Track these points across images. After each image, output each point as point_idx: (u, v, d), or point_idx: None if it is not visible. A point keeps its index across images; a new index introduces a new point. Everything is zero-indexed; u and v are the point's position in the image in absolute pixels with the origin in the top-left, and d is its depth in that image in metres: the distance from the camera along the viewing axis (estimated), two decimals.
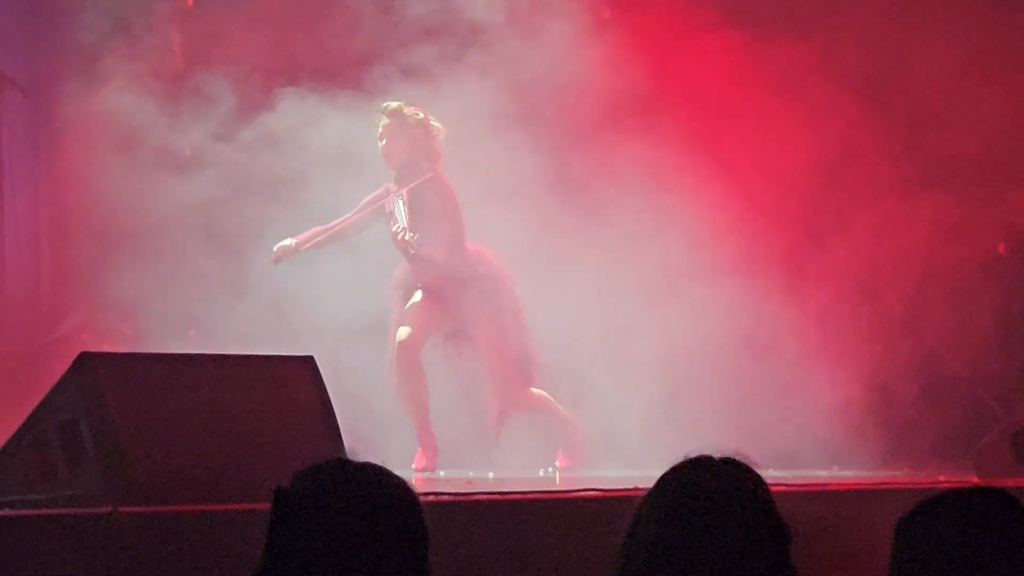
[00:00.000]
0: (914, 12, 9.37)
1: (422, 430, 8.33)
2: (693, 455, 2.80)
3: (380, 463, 2.79)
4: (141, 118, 9.09)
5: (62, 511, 4.82)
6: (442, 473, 8.17)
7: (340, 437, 5.50)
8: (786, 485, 6.35)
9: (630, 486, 5.68)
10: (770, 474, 2.88)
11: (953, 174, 9.31)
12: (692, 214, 8.99)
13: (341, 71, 9.07)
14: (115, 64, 9.12)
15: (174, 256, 9.23)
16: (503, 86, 8.88)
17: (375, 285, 8.64)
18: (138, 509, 4.76)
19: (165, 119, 9.13)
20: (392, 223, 8.26)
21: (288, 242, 8.41)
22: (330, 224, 8.50)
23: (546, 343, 8.64)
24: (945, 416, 9.30)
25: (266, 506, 2.74)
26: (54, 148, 9.39)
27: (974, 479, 7.40)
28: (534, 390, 8.54)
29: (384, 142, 8.36)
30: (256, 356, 5.81)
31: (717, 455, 2.79)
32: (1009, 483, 6.77)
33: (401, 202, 8.30)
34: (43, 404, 5.21)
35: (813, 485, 6.87)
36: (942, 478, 7.64)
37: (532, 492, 5.96)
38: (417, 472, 8.09)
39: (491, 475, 8.00)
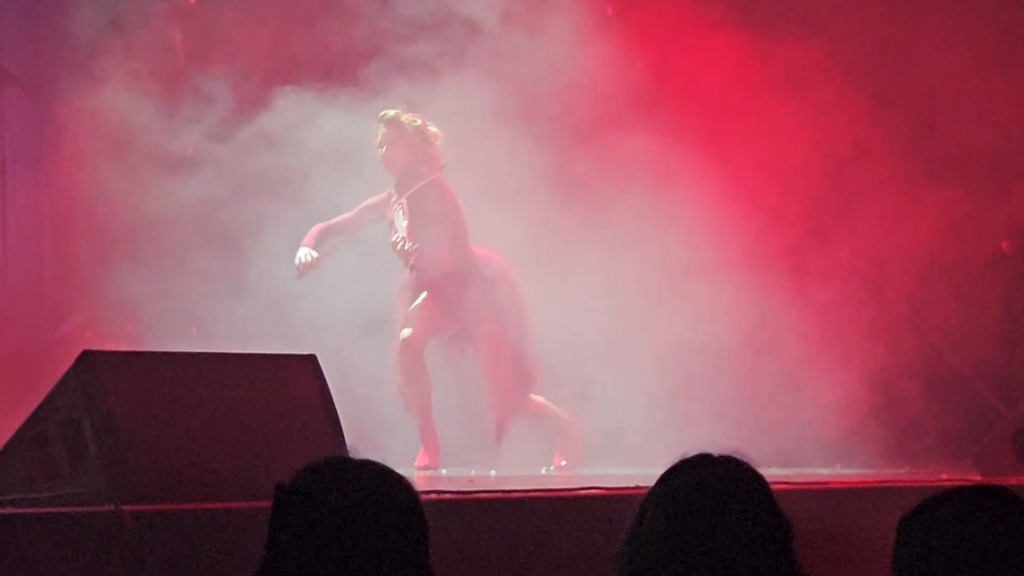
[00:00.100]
0: (919, 9, 9.37)
1: (424, 428, 8.33)
2: (692, 454, 2.80)
3: (381, 461, 2.79)
4: (142, 117, 9.09)
5: (64, 509, 4.82)
6: (444, 471, 8.17)
7: (342, 435, 5.50)
8: (789, 483, 6.36)
9: (632, 484, 5.68)
10: (772, 472, 2.88)
11: (958, 171, 9.31)
12: (695, 212, 8.99)
13: (340, 69, 9.07)
14: (117, 63, 9.12)
15: (176, 255, 9.23)
16: (504, 84, 8.87)
17: (376, 282, 8.64)
18: (140, 507, 4.76)
19: (166, 118, 9.13)
20: (392, 232, 8.29)
21: (305, 255, 8.35)
22: (332, 222, 8.48)
23: (548, 342, 8.64)
24: (947, 414, 9.29)
25: (268, 504, 2.74)
26: (56, 146, 9.39)
27: (976, 477, 7.40)
28: (532, 396, 8.54)
29: (383, 150, 8.38)
30: (258, 354, 5.81)
31: (716, 453, 2.79)
32: (1011, 481, 6.77)
33: (400, 212, 8.32)
34: (45, 402, 5.21)
35: (816, 483, 6.87)
36: (944, 476, 7.64)
37: (534, 490, 5.96)
38: (419, 470, 8.09)
39: (493, 473, 8.01)
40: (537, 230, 8.77)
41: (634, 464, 7.98)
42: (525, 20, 9.00)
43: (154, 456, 5.08)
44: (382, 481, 2.74)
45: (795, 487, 6.30)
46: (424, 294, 8.37)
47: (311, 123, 8.86)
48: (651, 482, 2.81)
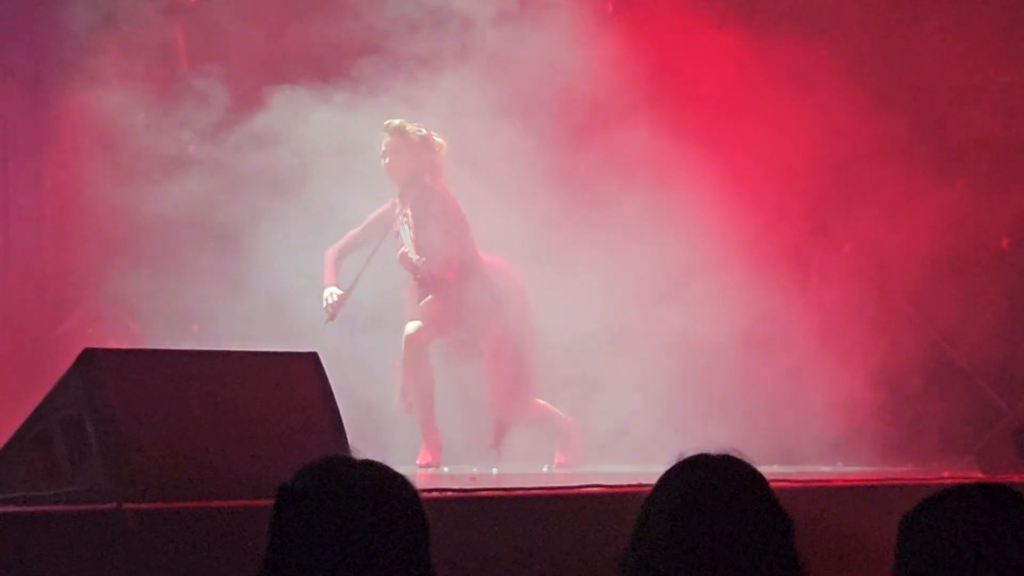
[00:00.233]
0: (921, 5, 9.36)
1: (426, 426, 8.33)
2: (691, 453, 2.80)
3: (383, 459, 2.79)
4: (142, 115, 9.09)
5: (66, 508, 4.82)
6: (446, 469, 8.17)
7: (344, 433, 5.50)
8: (790, 481, 6.35)
9: (633, 482, 5.68)
10: (774, 470, 2.89)
11: (960, 168, 9.31)
12: (696, 211, 8.98)
13: (338, 67, 9.06)
14: (115, 61, 9.11)
15: (177, 253, 9.22)
16: (504, 82, 8.87)
17: (377, 281, 8.63)
18: (142, 506, 4.76)
19: (166, 116, 9.13)
20: (398, 245, 8.31)
21: (330, 295, 8.35)
22: (342, 243, 8.47)
23: (549, 340, 8.64)
24: (949, 412, 9.29)
25: (270, 502, 2.74)
26: (56, 144, 9.38)
27: (978, 475, 7.40)
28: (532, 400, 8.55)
29: (387, 160, 8.38)
30: (260, 352, 5.81)
31: (714, 452, 2.80)
32: (1014, 479, 6.78)
33: (406, 224, 8.34)
34: (47, 401, 5.21)
35: (817, 481, 6.87)
36: (946, 474, 7.63)
37: (535, 488, 5.96)
38: (421, 468, 8.08)
39: (495, 471, 8.01)
40: (538, 229, 8.77)
41: (636, 462, 7.99)
42: (525, 18, 9.00)
43: (155, 454, 5.08)
44: (383, 481, 2.74)
45: (797, 485, 6.30)
46: (431, 296, 8.38)
47: (310, 121, 8.86)
48: (653, 480, 2.81)
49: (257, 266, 8.83)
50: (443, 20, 8.98)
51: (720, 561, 2.67)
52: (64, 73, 9.26)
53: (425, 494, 2.79)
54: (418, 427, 8.38)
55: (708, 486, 2.73)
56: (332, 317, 8.27)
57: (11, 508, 4.86)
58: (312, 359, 5.62)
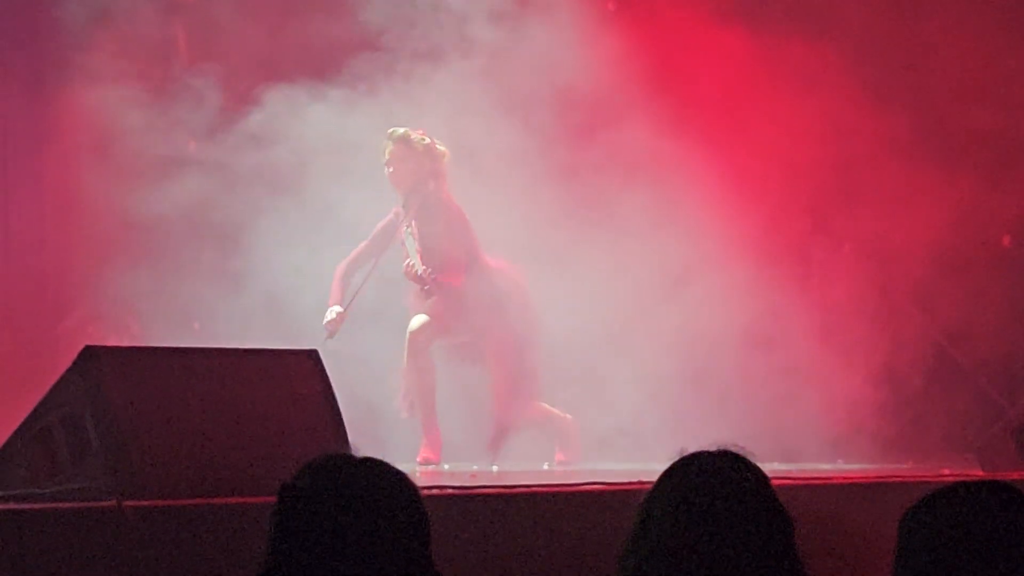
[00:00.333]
0: (925, 5, 9.36)
1: (427, 423, 8.33)
2: (691, 451, 2.80)
3: (383, 457, 2.79)
4: (141, 113, 9.08)
5: (66, 505, 4.82)
6: (446, 466, 8.17)
7: (344, 431, 5.50)
8: (791, 478, 6.36)
9: (634, 480, 5.68)
10: (775, 467, 2.89)
11: (962, 166, 9.30)
12: (697, 208, 8.98)
13: (338, 65, 9.05)
14: (117, 60, 9.11)
15: (177, 251, 9.23)
16: (505, 80, 8.87)
17: (377, 278, 8.63)
18: (142, 503, 4.76)
19: (165, 115, 9.13)
20: (404, 257, 8.32)
21: (330, 314, 8.36)
22: (351, 257, 8.47)
23: (550, 338, 8.64)
24: (950, 409, 9.29)
25: (270, 500, 2.74)
26: (57, 143, 9.39)
27: (979, 472, 7.40)
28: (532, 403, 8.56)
29: (391, 169, 8.37)
30: (260, 350, 5.81)
31: (714, 448, 2.80)
32: (1014, 476, 6.77)
33: (411, 236, 8.34)
34: (47, 398, 5.21)
35: (818, 479, 6.87)
36: (947, 471, 7.63)
37: (536, 485, 5.96)
38: (421, 465, 8.09)
39: (495, 469, 8.01)
40: (538, 227, 8.77)
41: (636, 460, 7.99)
42: (525, 16, 8.99)
43: (156, 451, 5.08)
44: (384, 479, 2.74)
45: (797, 482, 6.30)
46: (435, 297, 8.39)
47: (309, 119, 8.86)
48: (653, 477, 2.81)
49: (257, 264, 8.84)
50: (442, 18, 8.97)
51: (721, 558, 2.68)
52: (64, 72, 9.26)
53: (425, 491, 2.80)
54: (418, 425, 8.38)
55: (709, 483, 2.73)
56: (332, 334, 8.28)
57: (12, 505, 4.86)
58: (312, 356, 5.62)
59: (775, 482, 2.79)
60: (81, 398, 5.10)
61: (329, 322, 8.31)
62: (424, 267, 8.25)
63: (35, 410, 5.22)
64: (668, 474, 2.79)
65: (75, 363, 5.16)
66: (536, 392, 8.52)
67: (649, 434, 8.36)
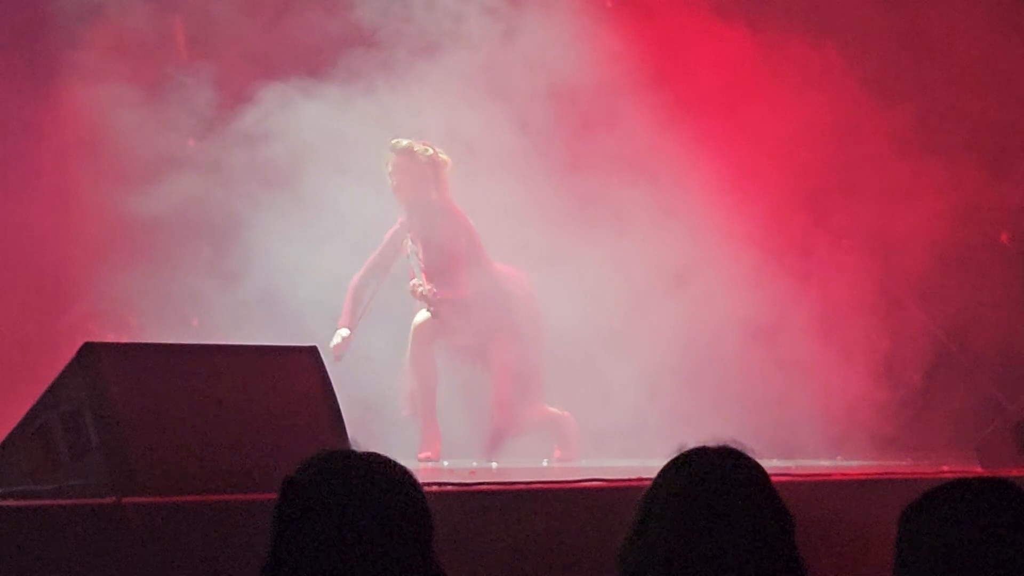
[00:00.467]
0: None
1: (427, 420, 8.34)
2: (690, 446, 2.80)
3: (382, 453, 2.79)
4: (140, 111, 9.08)
5: (66, 501, 4.82)
6: (446, 463, 8.17)
7: (344, 427, 5.50)
8: (790, 475, 6.36)
9: (633, 476, 5.68)
10: (774, 464, 2.89)
11: (963, 162, 9.29)
12: (698, 204, 8.98)
13: (335, 61, 9.04)
14: (114, 57, 9.11)
15: (176, 247, 9.23)
16: (503, 77, 8.86)
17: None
18: (141, 500, 4.76)
19: (163, 112, 9.12)
20: (410, 276, 8.31)
21: (336, 338, 8.35)
22: (364, 270, 8.47)
23: (550, 334, 8.63)
24: (950, 406, 9.29)
25: (270, 496, 2.74)
26: (54, 139, 9.38)
27: (978, 469, 7.40)
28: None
29: (394, 181, 8.36)
30: (260, 346, 5.81)
31: (713, 444, 2.79)
32: (1013, 473, 6.77)
33: (416, 255, 8.34)
34: (47, 395, 5.21)
35: (817, 475, 6.87)
36: (946, 468, 7.64)
37: (535, 482, 5.96)
38: (421, 462, 8.09)
39: (494, 465, 8.01)
40: (537, 223, 8.76)
41: (636, 456, 7.99)
42: (525, 13, 8.99)
43: (155, 448, 5.08)
44: (385, 473, 2.74)
45: (797, 479, 6.30)
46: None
47: (305, 114, 8.85)
48: (652, 474, 2.81)
49: (255, 260, 8.84)
50: (438, 14, 8.96)
51: (721, 555, 2.67)
52: (62, 69, 9.25)
53: (425, 488, 2.79)
54: (417, 421, 8.38)
55: (708, 480, 2.73)
56: (338, 359, 8.27)
57: (11, 502, 4.86)
58: (312, 353, 5.62)
59: (775, 479, 2.79)
60: (80, 395, 5.10)
61: (336, 346, 8.30)
62: (429, 288, 8.24)
63: (34, 407, 5.22)
64: (667, 470, 2.78)
65: (74, 360, 5.16)
66: (538, 401, 8.52)
67: (649, 430, 8.36)
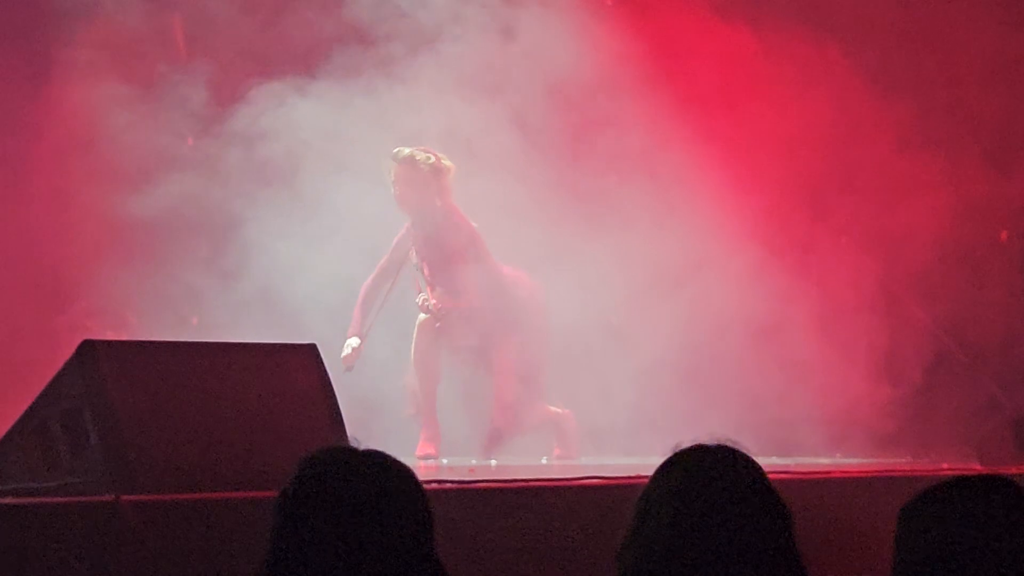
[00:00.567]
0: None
1: (427, 417, 8.34)
2: (686, 445, 2.80)
3: (381, 450, 2.79)
4: (138, 108, 9.08)
5: (64, 499, 4.82)
6: (445, 461, 8.17)
7: (343, 425, 5.50)
8: (789, 472, 6.36)
9: (631, 474, 5.68)
10: (773, 462, 2.89)
11: (964, 160, 9.29)
12: (697, 201, 8.98)
13: (332, 58, 9.04)
14: (112, 54, 9.11)
15: (174, 245, 9.22)
16: (503, 75, 8.86)
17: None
18: (140, 498, 4.76)
19: (160, 110, 9.12)
20: (416, 291, 8.31)
21: (346, 348, 8.34)
22: (375, 275, 8.46)
23: (551, 333, 8.64)
24: (949, 404, 9.29)
25: (269, 494, 2.74)
26: (51, 137, 9.37)
27: (977, 467, 7.41)
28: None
29: (397, 191, 8.34)
30: (259, 344, 5.80)
31: (710, 443, 2.79)
32: (1012, 471, 6.77)
33: (421, 270, 8.34)
34: (46, 392, 5.20)
35: (816, 473, 6.87)
36: (945, 466, 7.64)
37: (534, 480, 5.96)
38: (420, 460, 8.08)
39: (493, 463, 8.01)
40: (536, 220, 8.76)
41: (634, 453, 8.00)
42: (521, 9, 8.98)
43: (154, 446, 5.08)
44: (387, 471, 2.74)
45: (796, 476, 6.30)
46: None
47: (302, 111, 8.85)
48: (650, 471, 2.81)
49: (254, 257, 8.83)
50: (435, 10, 8.96)
51: (719, 552, 2.67)
52: (59, 67, 9.25)
53: (424, 485, 2.79)
54: (418, 417, 8.38)
55: (705, 478, 2.73)
56: (349, 368, 8.26)
57: (10, 500, 4.85)
58: (311, 350, 5.62)
59: (774, 476, 2.79)
60: (79, 393, 5.10)
61: (346, 357, 8.28)
62: (435, 302, 8.24)
63: (33, 405, 5.21)
64: (664, 469, 2.78)
65: (73, 358, 5.16)
66: (539, 399, 8.51)
67: (648, 428, 8.36)
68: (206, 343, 6.08)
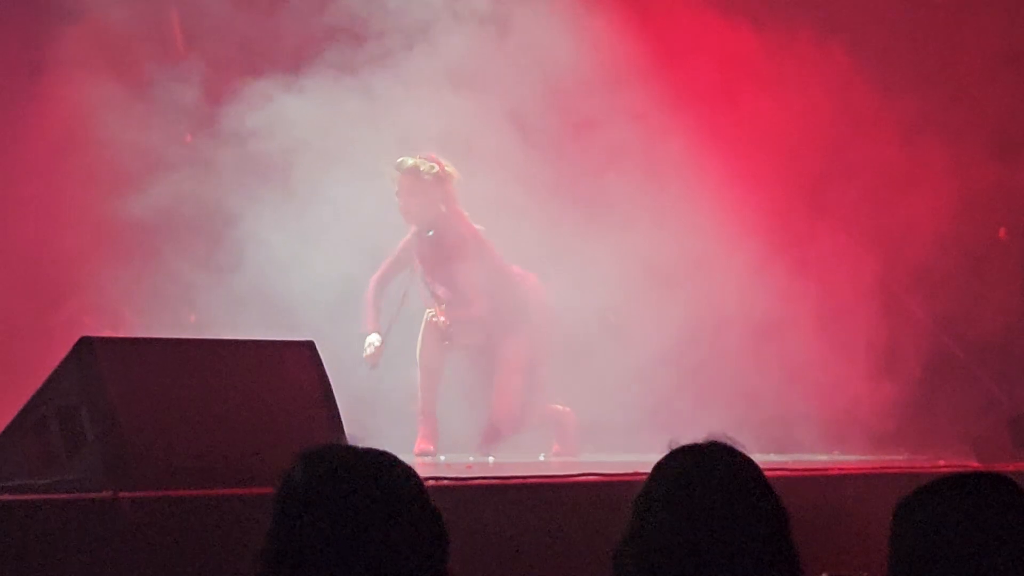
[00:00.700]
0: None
1: (426, 414, 8.34)
2: (682, 443, 2.80)
3: (379, 447, 2.78)
4: (134, 106, 9.08)
5: (62, 496, 4.82)
6: (442, 458, 8.17)
7: (340, 422, 5.50)
8: (787, 469, 6.36)
9: (629, 471, 5.68)
10: (771, 459, 2.89)
11: (963, 158, 9.28)
12: (696, 199, 8.98)
13: (324, 53, 9.03)
14: (110, 51, 9.10)
15: (172, 241, 9.22)
16: (502, 73, 8.86)
17: (376, 272, 8.63)
18: (138, 494, 4.75)
19: (157, 108, 9.12)
20: (425, 307, 8.30)
21: (368, 346, 8.33)
22: (382, 271, 8.46)
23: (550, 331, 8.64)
24: (946, 401, 9.29)
25: (265, 491, 2.73)
26: (47, 134, 9.37)
27: (974, 464, 7.41)
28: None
29: (401, 201, 8.34)
30: (256, 341, 5.80)
31: (706, 441, 2.79)
32: (1009, 468, 6.78)
33: (425, 282, 8.34)
34: (43, 389, 5.20)
35: (814, 469, 6.87)
36: (942, 463, 7.64)
37: (531, 477, 5.96)
38: (418, 456, 8.08)
39: (491, 460, 8.01)
40: (535, 218, 8.76)
41: (632, 451, 7.99)
42: (525, 9, 8.98)
43: (152, 443, 5.08)
44: (387, 468, 2.73)
45: (793, 473, 6.31)
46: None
47: (298, 108, 8.85)
48: (648, 469, 2.80)
49: (251, 254, 8.83)
50: (436, 9, 8.96)
51: (716, 550, 2.67)
52: (56, 64, 9.25)
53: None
54: (414, 416, 8.38)
55: (702, 476, 2.72)
56: (374, 366, 8.25)
57: (7, 496, 4.85)
58: (309, 347, 5.62)
59: (771, 474, 2.79)
60: (77, 389, 5.10)
61: (369, 355, 8.28)
62: (444, 319, 8.24)
63: (31, 401, 5.21)
64: (661, 467, 2.78)
65: (71, 354, 5.16)
66: (540, 399, 8.52)
67: (646, 425, 8.35)
68: (203, 340, 6.08)
